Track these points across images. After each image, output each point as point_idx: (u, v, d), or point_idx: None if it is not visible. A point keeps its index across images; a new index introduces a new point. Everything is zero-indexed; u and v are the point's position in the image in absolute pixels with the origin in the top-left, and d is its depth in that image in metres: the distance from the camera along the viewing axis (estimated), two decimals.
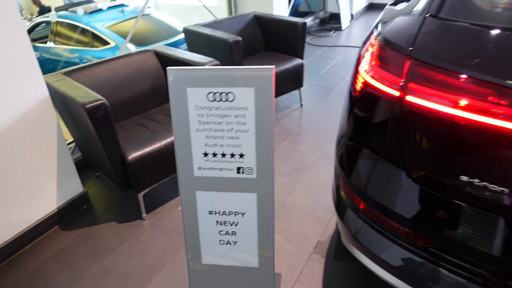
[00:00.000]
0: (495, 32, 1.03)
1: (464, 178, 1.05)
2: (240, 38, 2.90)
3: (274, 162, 1.38)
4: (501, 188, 1.00)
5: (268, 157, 1.37)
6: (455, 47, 1.07)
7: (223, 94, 1.30)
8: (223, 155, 1.39)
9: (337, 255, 1.97)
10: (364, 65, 1.26)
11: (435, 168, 1.11)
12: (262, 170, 1.40)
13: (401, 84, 1.09)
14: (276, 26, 3.49)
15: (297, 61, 3.32)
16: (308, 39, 5.67)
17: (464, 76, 1.00)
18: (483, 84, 0.97)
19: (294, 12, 6.10)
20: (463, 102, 1.00)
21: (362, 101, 1.28)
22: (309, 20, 6.15)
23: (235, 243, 1.55)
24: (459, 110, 1.00)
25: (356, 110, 1.32)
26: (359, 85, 1.28)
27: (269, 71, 1.25)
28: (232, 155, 1.39)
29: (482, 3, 1.09)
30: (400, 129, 1.14)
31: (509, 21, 1.04)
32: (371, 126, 1.26)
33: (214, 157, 1.40)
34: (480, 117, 0.97)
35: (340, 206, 1.52)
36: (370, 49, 1.27)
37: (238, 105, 1.31)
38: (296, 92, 3.56)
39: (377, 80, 1.18)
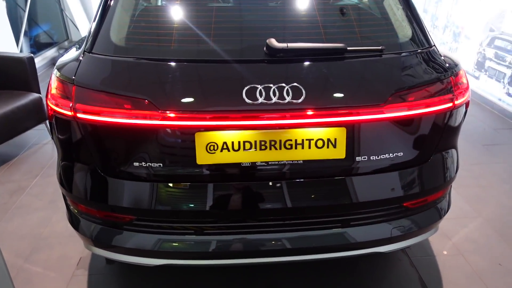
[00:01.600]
0: (129, 60, 1.49)
1: (136, 163, 1.47)
2: None
3: None
4: (158, 164, 1.46)
5: None
6: (104, 73, 1.47)
7: None
8: None
9: (100, 262, 2.17)
10: (49, 95, 1.52)
11: (115, 161, 1.49)
12: None
13: (71, 105, 1.41)
14: (0, 63, 3.32)
15: (33, 95, 3.29)
16: None
17: (113, 93, 1.41)
18: (123, 98, 1.39)
19: (34, 44, 5.78)
20: (118, 111, 1.40)
21: (56, 124, 1.53)
22: (53, 51, 5.96)
23: None
24: (117, 118, 1.40)
25: (57, 133, 1.57)
26: (49, 112, 1.53)
27: None
28: None
29: (116, 41, 1.54)
30: (83, 139, 1.46)
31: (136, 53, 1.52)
32: (70, 143, 1.54)
33: None
34: (127, 120, 1.39)
35: (73, 220, 1.73)
36: (51, 81, 1.55)
37: None
38: (42, 126, 3.50)
39: (56, 105, 1.46)
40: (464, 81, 1.61)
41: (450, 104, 1.52)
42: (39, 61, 5.52)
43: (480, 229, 2.43)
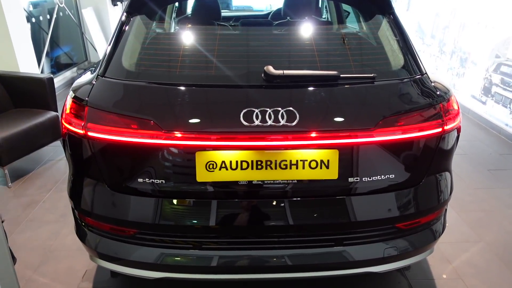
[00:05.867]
0: (137, 84, 1.61)
1: (140, 179, 1.57)
2: None
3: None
4: (161, 180, 1.56)
5: None
6: (115, 95, 1.60)
7: None
8: None
9: (104, 275, 2.25)
10: (64, 114, 1.65)
11: (121, 177, 1.59)
12: None
13: (83, 124, 1.53)
14: (22, 83, 3.53)
15: (51, 113, 3.46)
16: None
17: (121, 114, 1.52)
18: (130, 118, 1.51)
19: (54, 64, 6.07)
20: (125, 131, 1.51)
21: (68, 142, 1.65)
22: (70, 72, 6.24)
23: None
24: (124, 137, 1.51)
25: (69, 150, 1.69)
26: (63, 130, 1.65)
27: None
28: None
29: (127, 66, 1.67)
30: (92, 156, 1.57)
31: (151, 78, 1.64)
32: (80, 159, 1.65)
33: None
34: (133, 139, 1.50)
35: (80, 233, 1.82)
36: (66, 102, 1.68)
37: None
38: (57, 143, 3.67)
39: (70, 124, 1.58)
40: (455, 107, 1.68)
41: (440, 129, 1.59)
42: (59, 80, 5.79)
43: (482, 254, 2.42)
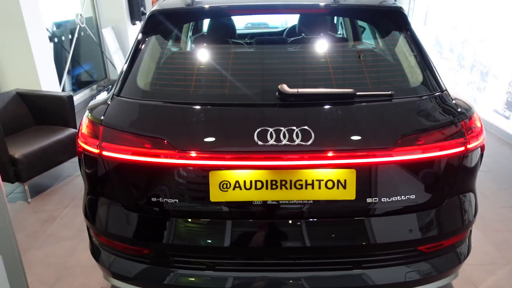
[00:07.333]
0: (151, 103, 1.62)
1: (154, 199, 1.56)
2: None
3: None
4: (174, 200, 1.54)
5: (3, 217, 1.52)
6: (129, 115, 1.61)
7: None
8: None
9: None
10: (79, 133, 1.66)
11: (134, 196, 1.58)
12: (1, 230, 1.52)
13: (98, 144, 1.54)
14: (42, 101, 3.63)
15: (70, 130, 3.53)
16: None
17: (135, 133, 1.53)
18: (144, 138, 1.51)
19: (75, 82, 6.24)
20: (139, 150, 1.51)
21: (84, 160, 1.66)
22: (90, 90, 6.39)
23: None
24: (139, 156, 1.51)
25: (84, 169, 1.70)
26: (79, 149, 1.66)
27: None
28: None
29: (142, 86, 1.68)
30: (107, 175, 1.57)
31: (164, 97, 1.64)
32: (95, 178, 1.66)
33: None
34: (147, 159, 1.49)
35: (94, 251, 1.82)
36: (82, 121, 1.69)
37: None
38: (76, 159, 3.71)
39: (85, 143, 1.59)
40: (478, 124, 1.62)
41: (462, 148, 1.52)
42: (79, 97, 5.93)
43: (509, 277, 2.30)
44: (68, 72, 5.81)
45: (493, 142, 4.36)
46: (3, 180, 3.07)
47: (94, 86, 6.56)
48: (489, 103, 4.77)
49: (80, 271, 2.41)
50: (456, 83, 5.58)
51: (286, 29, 3.48)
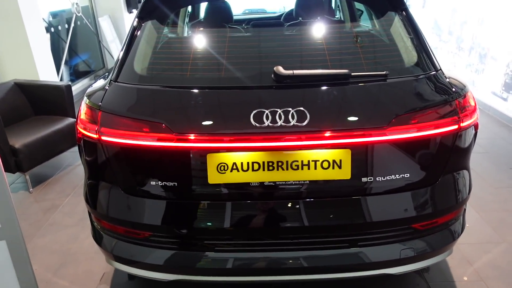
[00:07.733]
0: (149, 87, 1.63)
1: (153, 182, 1.58)
2: None
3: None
4: (173, 183, 1.57)
5: (7, 205, 1.54)
6: (127, 100, 1.62)
7: None
8: None
9: (122, 278, 2.28)
10: (78, 120, 1.68)
11: (134, 180, 1.61)
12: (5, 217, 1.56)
13: (96, 129, 1.56)
14: (41, 91, 3.63)
15: (69, 120, 3.55)
16: None
17: (134, 118, 1.54)
18: (142, 122, 1.53)
19: (73, 72, 6.23)
20: (138, 134, 1.53)
21: (83, 146, 1.68)
22: (88, 79, 6.38)
23: None
24: (137, 140, 1.53)
25: (84, 154, 1.72)
26: (78, 135, 1.68)
27: None
28: None
29: (139, 71, 1.69)
30: (106, 160, 1.60)
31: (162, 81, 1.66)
32: (94, 163, 1.68)
33: None
34: (145, 142, 1.52)
35: (96, 236, 1.85)
36: (81, 108, 1.71)
37: None
38: (76, 149, 3.74)
39: (84, 129, 1.61)
40: (472, 103, 1.63)
41: (456, 126, 1.54)
42: (78, 87, 5.93)
43: (504, 255, 2.34)
44: (66, 62, 5.79)
45: (491, 124, 4.38)
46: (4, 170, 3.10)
47: (92, 76, 6.54)
48: (487, 85, 4.77)
49: (83, 257, 2.46)
50: (455, 66, 5.56)
51: (283, 14, 3.46)
